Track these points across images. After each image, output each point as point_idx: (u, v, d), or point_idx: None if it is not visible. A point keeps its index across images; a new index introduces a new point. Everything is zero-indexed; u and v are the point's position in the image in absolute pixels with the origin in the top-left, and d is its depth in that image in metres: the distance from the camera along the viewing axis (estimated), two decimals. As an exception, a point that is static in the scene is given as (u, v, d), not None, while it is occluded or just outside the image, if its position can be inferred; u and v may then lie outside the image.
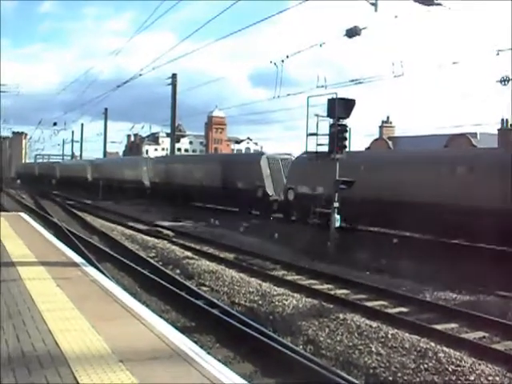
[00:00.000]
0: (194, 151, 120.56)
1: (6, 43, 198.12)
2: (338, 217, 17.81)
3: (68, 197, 45.03)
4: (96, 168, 54.99)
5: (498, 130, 38.11)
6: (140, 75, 28.57)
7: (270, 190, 26.19)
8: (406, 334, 8.78)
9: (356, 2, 13.44)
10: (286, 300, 10.92)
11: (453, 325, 10.01)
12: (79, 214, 29.78)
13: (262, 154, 29.25)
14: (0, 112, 55.31)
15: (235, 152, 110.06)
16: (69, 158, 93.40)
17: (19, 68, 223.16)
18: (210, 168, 32.23)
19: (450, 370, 7.31)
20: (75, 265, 9.14)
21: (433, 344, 8.26)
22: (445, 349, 8.04)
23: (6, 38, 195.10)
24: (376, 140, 51.86)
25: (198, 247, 18.49)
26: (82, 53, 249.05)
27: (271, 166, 26.87)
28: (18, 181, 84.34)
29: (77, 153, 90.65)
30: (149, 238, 20.47)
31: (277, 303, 10.74)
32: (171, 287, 11.51)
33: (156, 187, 39.31)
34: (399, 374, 7.25)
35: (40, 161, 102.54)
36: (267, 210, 25.87)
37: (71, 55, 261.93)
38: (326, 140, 18.57)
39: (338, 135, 18.04)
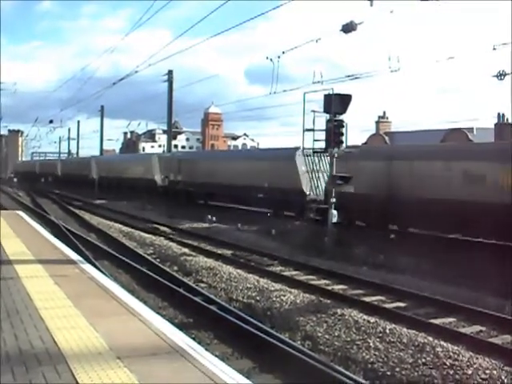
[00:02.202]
0: (190, 148, 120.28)
1: (3, 41, 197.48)
2: (335, 212, 17.84)
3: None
4: (186, 164, 34.47)
5: (495, 124, 38.15)
6: (136, 72, 28.53)
7: None
8: (404, 329, 8.80)
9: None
10: (284, 296, 10.93)
11: (450, 319, 10.04)
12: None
13: None
14: None
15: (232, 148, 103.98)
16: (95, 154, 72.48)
17: (16, 66, 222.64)
18: None
19: (447, 364, 7.34)
20: (73, 262, 9.13)
21: (430, 338, 8.29)
22: (442, 343, 8.07)
23: (4, 35, 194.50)
24: (373, 135, 51.87)
25: (195, 244, 18.47)
26: (79, 51, 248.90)
27: None
28: (15, 179, 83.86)
29: (73, 150, 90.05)
30: (146, 235, 20.45)
31: (274, 299, 10.74)
32: (169, 284, 11.51)
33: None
34: (397, 369, 7.27)
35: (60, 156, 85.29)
36: None
37: (69, 53, 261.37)
38: (322, 135, 18.63)
39: (335, 130, 18.06)
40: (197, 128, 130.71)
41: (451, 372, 7.14)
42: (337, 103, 17.87)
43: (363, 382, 6.74)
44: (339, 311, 9.77)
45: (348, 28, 15.35)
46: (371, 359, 7.63)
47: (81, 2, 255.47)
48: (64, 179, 60.80)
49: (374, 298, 11.49)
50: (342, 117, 18.40)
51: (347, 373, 6.83)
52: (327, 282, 13.13)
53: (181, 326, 7.05)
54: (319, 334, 8.66)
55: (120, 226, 23.87)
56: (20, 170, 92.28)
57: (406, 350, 7.91)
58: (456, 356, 7.56)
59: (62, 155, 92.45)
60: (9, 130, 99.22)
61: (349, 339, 8.43)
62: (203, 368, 4.27)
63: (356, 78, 20.87)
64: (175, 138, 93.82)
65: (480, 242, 16.25)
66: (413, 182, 17.87)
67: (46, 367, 4.20)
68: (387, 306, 10.91)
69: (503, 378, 7.03)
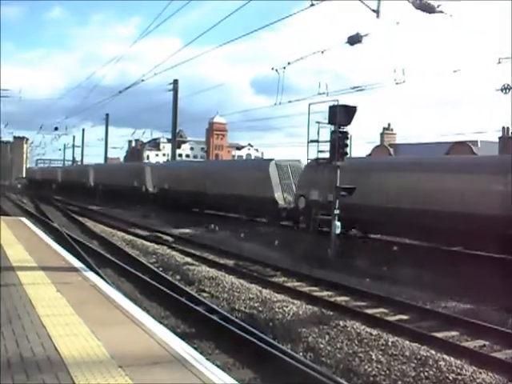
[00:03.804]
0: (195, 157, 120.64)
1: (11, 48, 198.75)
2: (338, 223, 17.80)
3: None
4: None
5: (499, 137, 38.12)
6: (142, 81, 28.68)
7: None
8: (407, 342, 8.74)
9: (358, 9, 13.46)
10: (286, 307, 10.89)
11: (453, 333, 9.98)
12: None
13: None
14: (0, 117, 54.03)
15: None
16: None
17: (24, 72, 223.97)
18: None
19: (450, 378, 7.29)
20: (75, 270, 9.13)
21: (433, 352, 8.23)
22: (445, 357, 8.00)
23: (12, 42, 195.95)
24: (377, 147, 51.85)
25: (197, 253, 18.44)
26: (87, 58, 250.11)
27: None
28: (19, 185, 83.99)
29: (78, 158, 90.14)
30: (149, 244, 20.44)
31: (277, 310, 10.70)
32: (171, 293, 11.48)
33: None
34: (399, 382, 7.22)
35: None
36: None
37: (77, 61, 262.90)
38: (327, 147, 18.64)
39: (339, 142, 18.08)
40: (201, 137, 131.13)
41: (454, 386, 7.09)
42: (342, 115, 17.89)
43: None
44: (342, 323, 9.71)
45: (354, 40, 15.39)
46: (373, 372, 7.58)
47: (90, 10, 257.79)
48: (96, 190, 49.19)
49: (376, 310, 11.44)
50: (346, 128, 18.43)
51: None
52: (330, 293, 13.08)
53: (183, 336, 7.02)
54: (321, 346, 8.62)
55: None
56: (33, 177, 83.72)
57: (408, 363, 7.86)
58: (459, 370, 7.50)
59: (66, 162, 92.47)
60: (14, 137, 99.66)
61: (351, 351, 8.38)
62: (204, 377, 4.25)
63: (361, 89, 20.95)
64: (179, 147, 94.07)
65: None
66: None
67: (46, 374, 4.19)
68: (390, 318, 10.86)
69: (506, 393, 6.98)
